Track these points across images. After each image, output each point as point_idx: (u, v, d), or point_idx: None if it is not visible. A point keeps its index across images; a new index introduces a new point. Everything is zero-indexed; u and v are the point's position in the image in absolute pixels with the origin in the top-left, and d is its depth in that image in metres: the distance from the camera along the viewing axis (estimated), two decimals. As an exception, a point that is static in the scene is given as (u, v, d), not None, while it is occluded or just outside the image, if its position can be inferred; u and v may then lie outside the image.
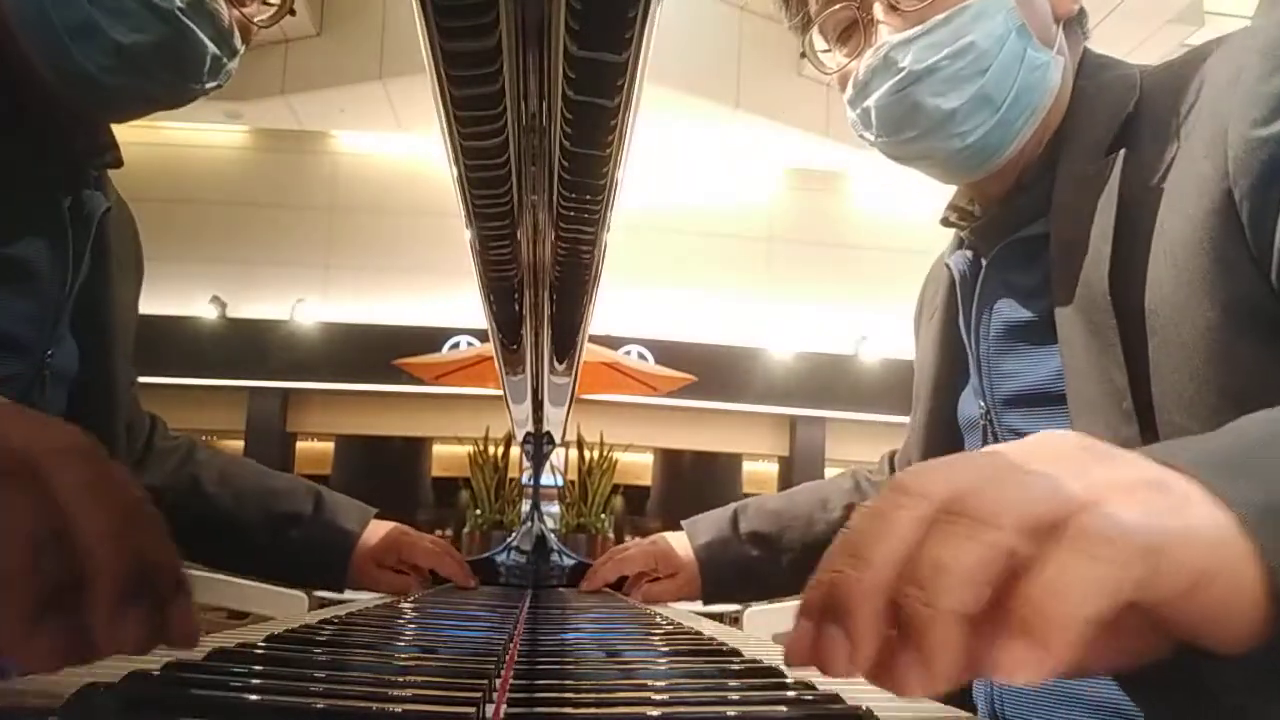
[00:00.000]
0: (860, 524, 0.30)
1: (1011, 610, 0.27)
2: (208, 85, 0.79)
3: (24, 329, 0.77)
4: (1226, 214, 0.62)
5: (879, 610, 0.28)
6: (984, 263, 0.83)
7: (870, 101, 0.76)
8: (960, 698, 0.79)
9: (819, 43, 0.82)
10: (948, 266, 0.89)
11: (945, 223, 0.90)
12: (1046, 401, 0.75)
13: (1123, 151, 0.69)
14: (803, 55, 0.83)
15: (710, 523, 1.19)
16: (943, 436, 0.90)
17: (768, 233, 8.33)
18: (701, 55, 7.09)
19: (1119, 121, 0.72)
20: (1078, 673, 0.32)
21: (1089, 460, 0.32)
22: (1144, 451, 0.34)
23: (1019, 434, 0.78)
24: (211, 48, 0.75)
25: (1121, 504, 0.29)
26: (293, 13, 0.83)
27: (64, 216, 0.79)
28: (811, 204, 8.43)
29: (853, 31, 0.78)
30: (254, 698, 0.36)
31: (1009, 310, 0.80)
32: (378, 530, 1.13)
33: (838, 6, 0.77)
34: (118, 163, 0.85)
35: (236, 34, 0.78)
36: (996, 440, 0.81)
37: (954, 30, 0.72)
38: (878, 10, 0.75)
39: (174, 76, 0.76)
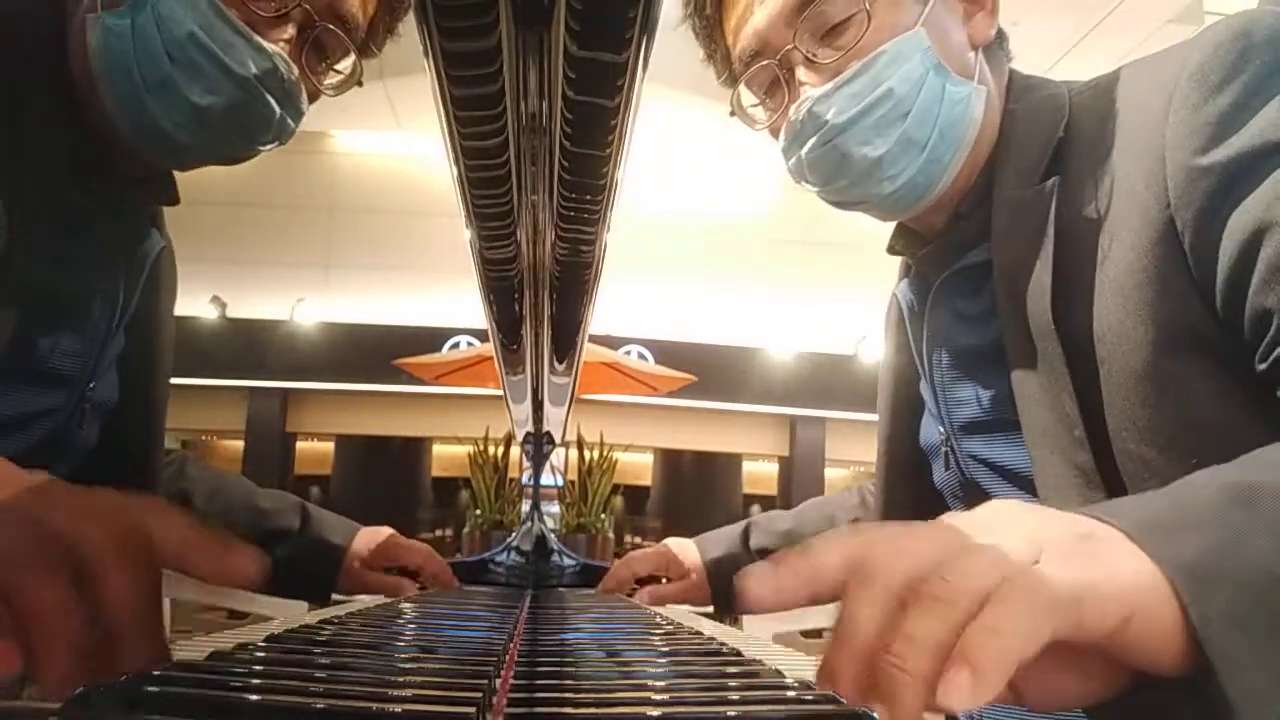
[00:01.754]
0: (847, 605, 0.36)
1: (957, 649, 0.33)
2: (271, 145, 0.82)
3: (70, 364, 0.79)
4: (1169, 243, 0.62)
5: (858, 673, 0.35)
6: (929, 291, 0.84)
7: (801, 153, 0.78)
8: None
9: (747, 98, 0.84)
10: (894, 297, 0.91)
11: (892, 251, 0.92)
12: (1004, 427, 0.75)
13: (1056, 179, 0.70)
14: (731, 113, 0.84)
15: (721, 539, 1.23)
16: (904, 461, 0.92)
17: (768, 233, 8.33)
18: (701, 55, 7.09)
19: (1050, 147, 0.72)
20: (1057, 707, 0.39)
21: (1029, 524, 0.39)
22: (1087, 510, 0.40)
23: (980, 460, 0.80)
24: (279, 111, 0.78)
25: (1051, 562, 0.36)
26: (360, 84, 0.87)
27: (118, 259, 0.83)
28: (811, 204, 8.34)
29: (778, 86, 0.79)
30: (254, 698, 0.36)
31: (960, 337, 0.81)
32: (371, 538, 1.15)
33: (760, 64, 0.79)
34: (174, 200, 0.87)
35: (305, 98, 0.81)
36: (959, 465, 0.82)
37: (871, 79, 0.73)
38: (799, 69, 0.77)
39: (242, 137, 0.79)
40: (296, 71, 0.78)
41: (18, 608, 0.34)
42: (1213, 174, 0.60)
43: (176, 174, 0.85)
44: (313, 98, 0.83)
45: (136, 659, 0.37)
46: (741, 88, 0.82)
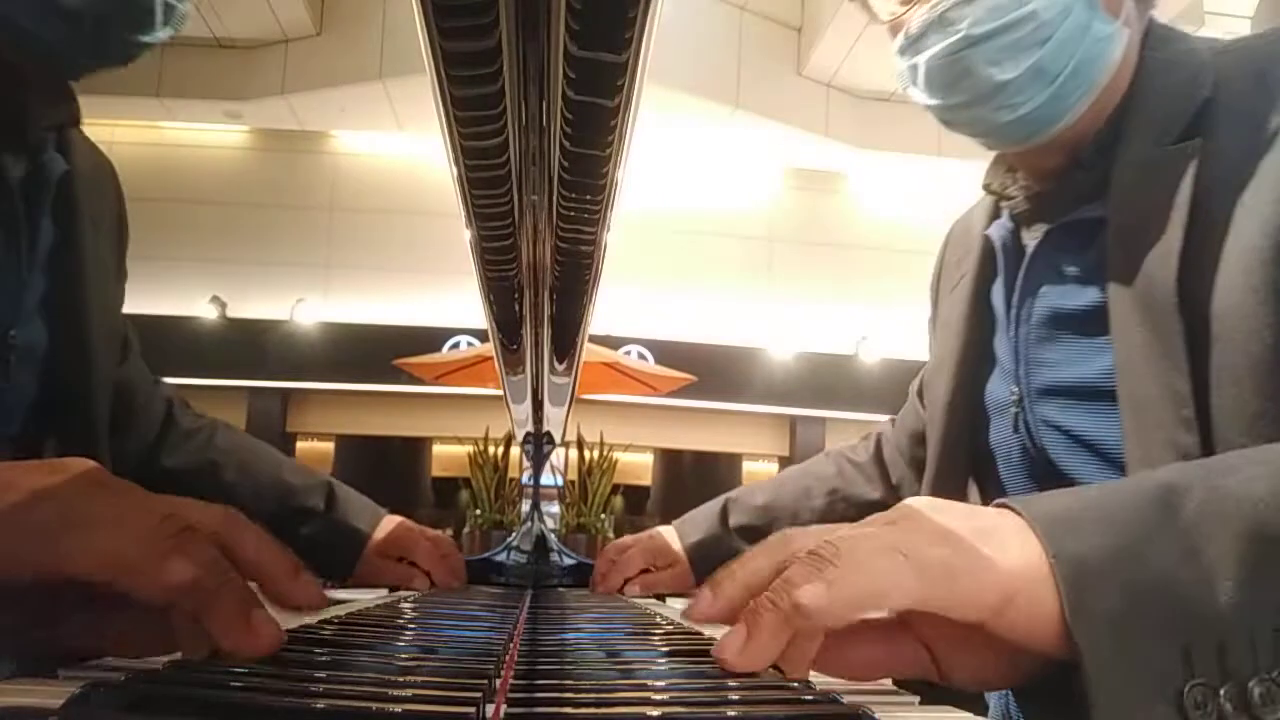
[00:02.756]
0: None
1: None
2: (160, 35, 0.73)
3: None
4: None
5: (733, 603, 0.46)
6: (1026, 240, 0.79)
7: (920, 59, 0.72)
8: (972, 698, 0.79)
9: None
10: (987, 238, 0.84)
11: (988, 190, 0.85)
12: (1090, 396, 0.71)
13: (1199, 140, 0.65)
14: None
15: (700, 521, 1.19)
16: (966, 417, 0.86)
17: (768, 233, 8.33)
18: (701, 55, 7.09)
19: (1194, 104, 0.67)
20: (979, 687, 0.43)
21: (938, 518, 0.42)
22: (1008, 500, 0.42)
23: (1055, 426, 0.75)
24: None
25: (935, 545, 0.40)
26: None
27: (12, 186, 0.74)
28: (811, 204, 8.43)
29: None
30: (254, 698, 0.36)
31: (1055, 296, 0.75)
32: (385, 524, 1.13)
33: None
34: (75, 120, 0.80)
35: None
36: (1028, 430, 0.78)
37: None
38: None
39: (122, 32, 0.70)
40: None
41: (194, 596, 0.40)
42: None
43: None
44: None
45: (299, 596, 0.48)
46: None
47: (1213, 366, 0.61)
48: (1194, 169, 0.64)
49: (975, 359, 0.85)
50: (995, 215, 0.86)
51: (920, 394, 1.08)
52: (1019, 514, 0.41)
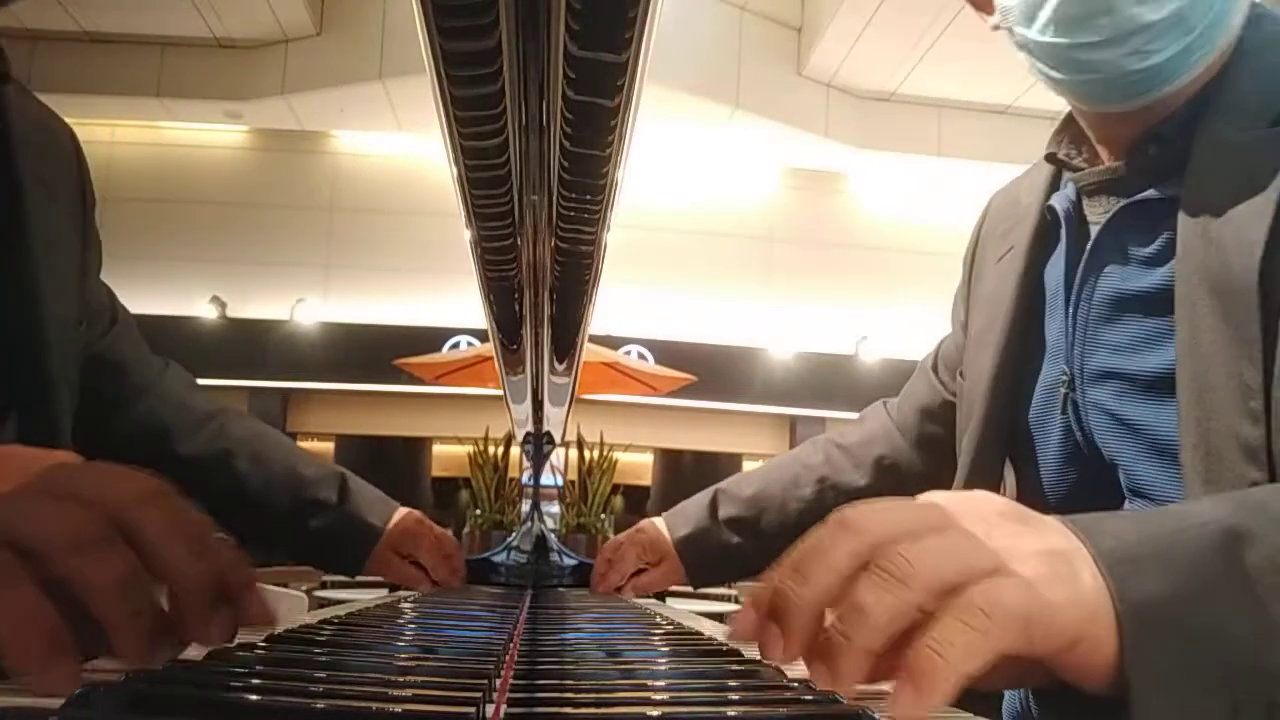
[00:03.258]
0: (811, 544, 0.37)
1: (907, 656, 0.34)
2: None
3: None
4: None
5: (809, 622, 0.36)
6: (1089, 214, 0.76)
7: None
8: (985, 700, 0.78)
9: None
10: (1050, 209, 0.80)
11: (1053, 160, 0.81)
12: (1148, 383, 0.69)
13: None
14: None
15: (690, 513, 1.18)
16: (1010, 396, 0.83)
17: (768, 233, 8.33)
18: (701, 55, 7.09)
19: None
20: (996, 688, 0.40)
21: (1006, 526, 0.38)
22: (1069, 520, 0.39)
23: (1106, 411, 0.73)
24: None
25: (1012, 576, 0.36)
26: None
27: None
28: (811, 204, 8.43)
29: None
30: (254, 698, 0.36)
31: (1120, 277, 0.72)
32: (397, 517, 1.11)
33: None
34: (4, 76, 0.75)
35: None
36: (1076, 412, 0.75)
37: None
38: None
39: None
40: None
41: (81, 586, 0.33)
42: None
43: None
44: None
45: (214, 629, 0.37)
46: None
47: (1278, 360, 0.59)
48: None
49: (1023, 335, 0.82)
50: (1054, 187, 0.82)
51: (935, 368, 1.06)
52: (1084, 542, 0.38)
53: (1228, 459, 0.61)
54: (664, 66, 6.32)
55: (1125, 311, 0.72)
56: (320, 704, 0.36)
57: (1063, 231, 0.78)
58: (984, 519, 0.38)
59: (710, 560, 1.16)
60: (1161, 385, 0.67)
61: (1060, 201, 0.79)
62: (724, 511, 1.16)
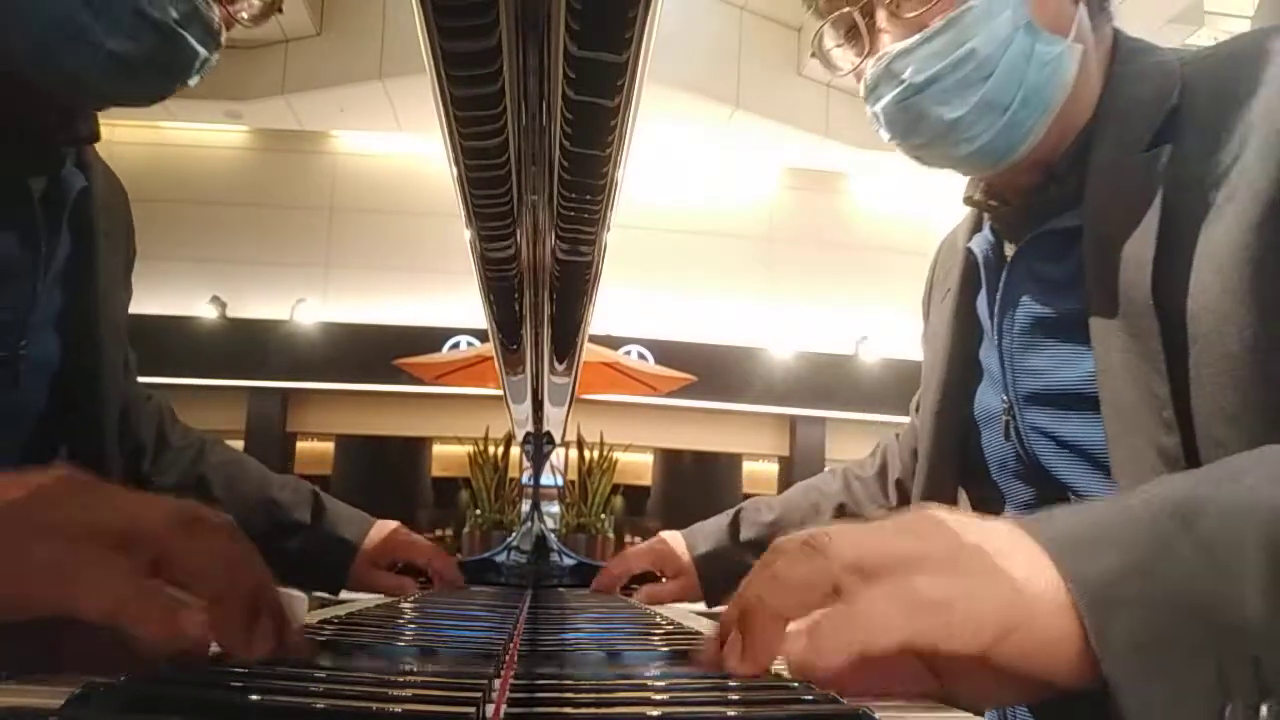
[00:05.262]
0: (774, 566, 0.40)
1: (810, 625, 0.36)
2: (191, 83, 0.77)
3: None
4: (1277, 224, 0.60)
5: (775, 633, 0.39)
6: (1008, 251, 0.80)
7: (878, 108, 0.75)
8: None
9: (829, 39, 0.79)
10: (969, 251, 0.85)
11: (969, 202, 0.86)
12: (1076, 403, 0.73)
13: (1168, 148, 0.67)
14: (813, 54, 0.80)
15: (709, 532, 1.20)
16: (954, 427, 0.87)
17: (768, 233, 8.33)
18: (701, 55, 7.09)
19: (1162, 114, 0.68)
20: (988, 705, 0.43)
21: (944, 527, 0.40)
22: (1019, 519, 0.41)
23: (1044, 433, 0.76)
24: (203, 52, 0.74)
25: (933, 569, 0.37)
26: (280, 10, 0.81)
27: (32, 200, 0.76)
28: (811, 204, 8.43)
29: (859, 33, 0.76)
30: (254, 698, 0.36)
31: (1036, 304, 0.77)
32: (378, 532, 1.14)
33: (843, 10, 0.75)
34: (94, 137, 0.82)
35: (223, 30, 0.76)
36: (1019, 437, 0.79)
37: (954, 38, 0.69)
38: (880, 17, 0.73)
39: (162, 80, 0.74)
40: (217, 9, 0.74)
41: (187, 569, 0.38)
42: None
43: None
44: (229, 27, 0.78)
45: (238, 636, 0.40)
46: (826, 30, 0.78)
47: (1191, 367, 0.62)
48: (1164, 175, 0.66)
49: (961, 369, 0.87)
50: (978, 228, 0.87)
51: (917, 408, 1.09)
52: (1029, 534, 0.39)
53: (1155, 469, 0.64)
54: (664, 66, 6.32)
55: (1045, 336, 0.76)
56: (320, 704, 0.36)
57: (981, 269, 0.83)
58: (930, 520, 0.40)
59: (728, 579, 1.18)
60: (1089, 403, 0.70)
61: (979, 242, 0.84)
62: (745, 534, 1.18)
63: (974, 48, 0.69)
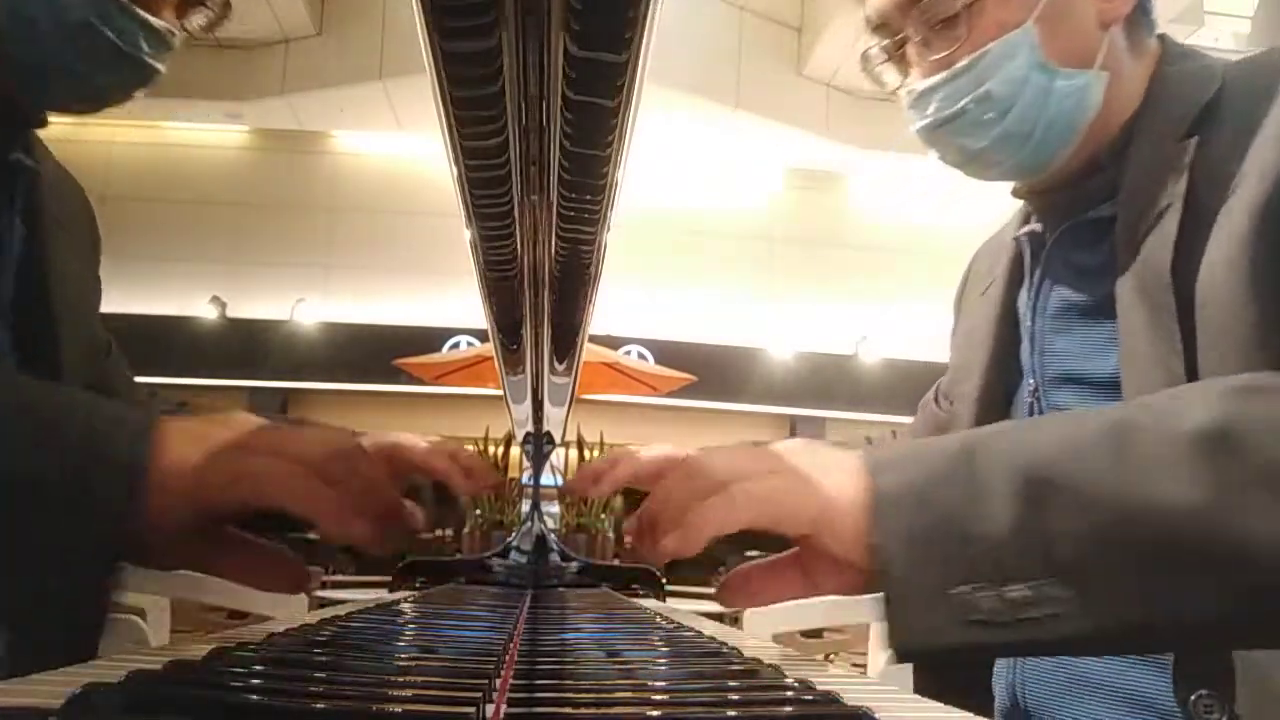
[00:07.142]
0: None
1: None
2: (139, 94, 0.81)
3: None
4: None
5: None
6: (1048, 239, 0.83)
7: (915, 130, 0.81)
8: (979, 690, 0.79)
9: (876, 56, 0.84)
10: (1016, 240, 0.88)
11: (1016, 193, 0.90)
12: (1102, 386, 0.74)
13: (1196, 139, 0.69)
14: (864, 69, 0.85)
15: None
16: (992, 416, 0.87)
17: (768, 233, 8.33)
18: (701, 55, 7.09)
19: (1197, 108, 0.71)
20: (841, 593, 0.53)
21: (800, 451, 0.53)
22: (868, 448, 0.55)
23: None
24: (160, 69, 0.78)
25: (772, 476, 0.51)
26: (228, 16, 0.87)
27: None
28: (811, 204, 8.43)
29: (903, 56, 0.81)
30: (254, 698, 0.36)
31: (1068, 289, 0.80)
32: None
33: (880, 42, 0.81)
34: (40, 121, 0.81)
35: (173, 40, 0.81)
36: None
37: (974, 78, 0.74)
38: (910, 52, 0.79)
39: (122, 95, 0.79)
40: (179, 35, 0.79)
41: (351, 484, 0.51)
42: None
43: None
44: (177, 34, 0.84)
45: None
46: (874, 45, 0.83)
47: (1199, 347, 0.64)
48: (1190, 163, 0.69)
49: (1004, 361, 0.88)
50: (1026, 221, 0.89)
51: (936, 400, 1.08)
52: (864, 458, 0.50)
53: None
54: (664, 66, 6.32)
55: (1073, 320, 0.79)
56: (320, 704, 0.36)
57: (1027, 256, 0.85)
58: (783, 446, 0.54)
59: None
60: (1113, 387, 0.72)
61: (1025, 233, 0.87)
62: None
63: (990, 89, 0.74)
